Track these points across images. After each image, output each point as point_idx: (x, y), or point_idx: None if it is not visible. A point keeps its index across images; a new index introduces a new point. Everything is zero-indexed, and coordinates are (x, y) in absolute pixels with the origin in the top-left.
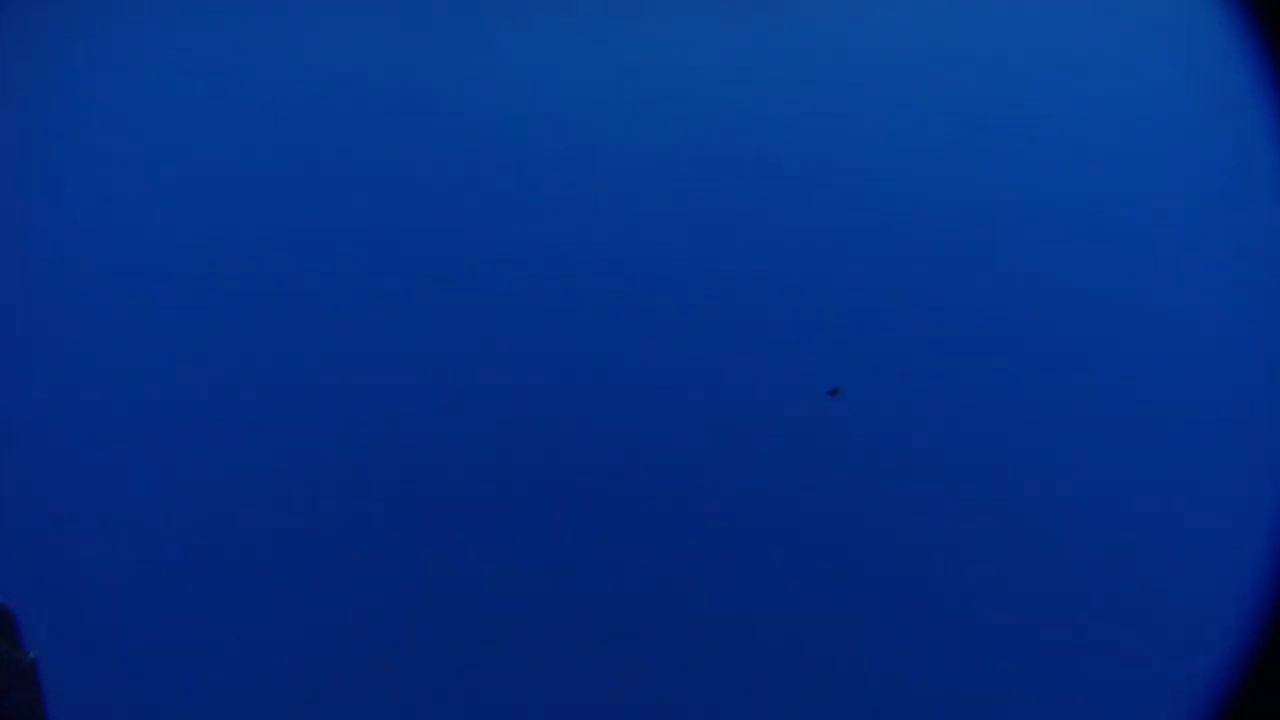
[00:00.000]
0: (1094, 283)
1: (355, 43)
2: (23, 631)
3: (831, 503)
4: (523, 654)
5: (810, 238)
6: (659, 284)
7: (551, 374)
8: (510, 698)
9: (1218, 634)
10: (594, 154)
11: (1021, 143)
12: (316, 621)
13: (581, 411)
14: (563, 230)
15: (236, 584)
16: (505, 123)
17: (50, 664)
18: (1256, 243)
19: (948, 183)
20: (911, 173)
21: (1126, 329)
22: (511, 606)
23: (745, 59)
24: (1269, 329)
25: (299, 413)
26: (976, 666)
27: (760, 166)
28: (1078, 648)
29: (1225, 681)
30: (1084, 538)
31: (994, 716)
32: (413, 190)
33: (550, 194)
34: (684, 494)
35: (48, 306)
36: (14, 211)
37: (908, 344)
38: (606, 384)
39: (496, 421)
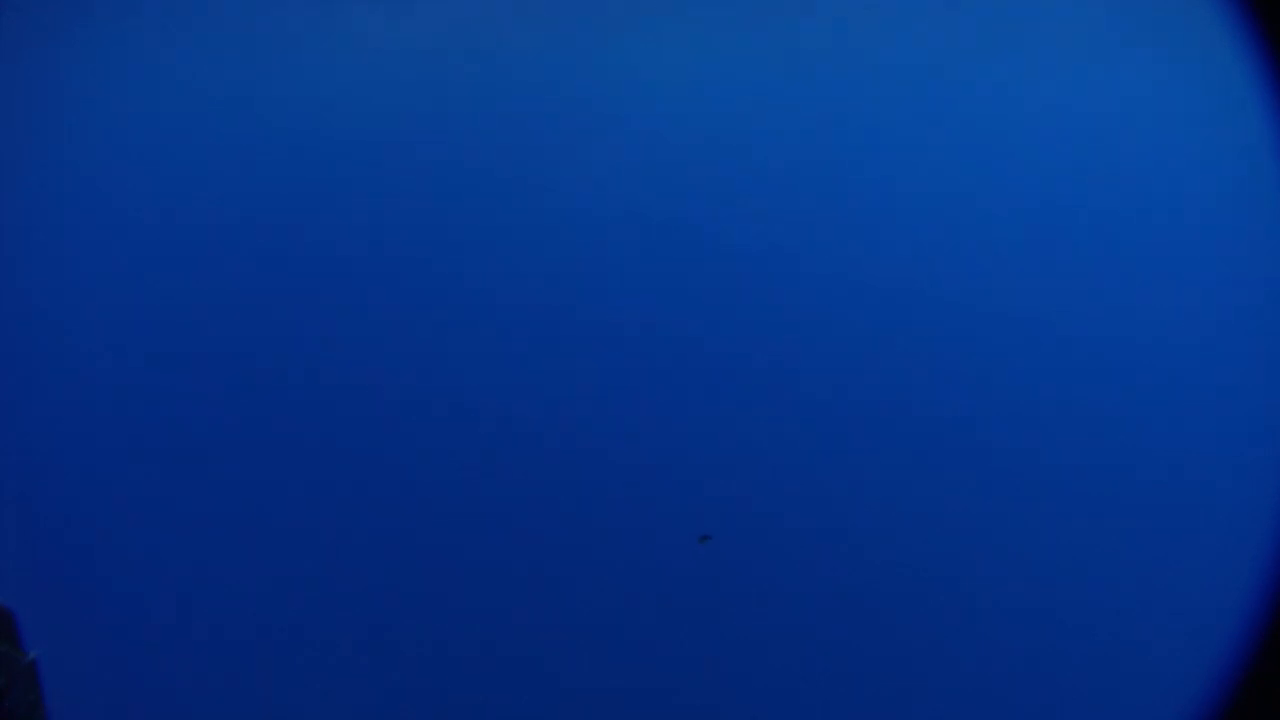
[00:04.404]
0: (1093, 284)
1: (354, 43)
2: (23, 631)
3: (829, 502)
4: (523, 655)
5: (810, 238)
6: (656, 283)
7: (548, 376)
8: (510, 699)
9: (1218, 634)
10: (590, 155)
11: (1019, 144)
12: (318, 622)
13: (580, 412)
14: (557, 230)
15: (237, 583)
16: (501, 124)
17: (50, 664)
18: (1256, 244)
19: (945, 184)
20: (909, 174)
21: (1125, 330)
22: (512, 608)
23: (744, 58)
24: (1269, 330)
25: (299, 413)
26: (976, 666)
27: (759, 167)
28: (1077, 647)
29: (1225, 681)
30: (1083, 537)
31: (994, 716)
32: (410, 192)
33: (545, 196)
34: (681, 495)
35: (47, 306)
36: (13, 211)
37: (907, 344)
38: (604, 385)
39: (496, 422)
